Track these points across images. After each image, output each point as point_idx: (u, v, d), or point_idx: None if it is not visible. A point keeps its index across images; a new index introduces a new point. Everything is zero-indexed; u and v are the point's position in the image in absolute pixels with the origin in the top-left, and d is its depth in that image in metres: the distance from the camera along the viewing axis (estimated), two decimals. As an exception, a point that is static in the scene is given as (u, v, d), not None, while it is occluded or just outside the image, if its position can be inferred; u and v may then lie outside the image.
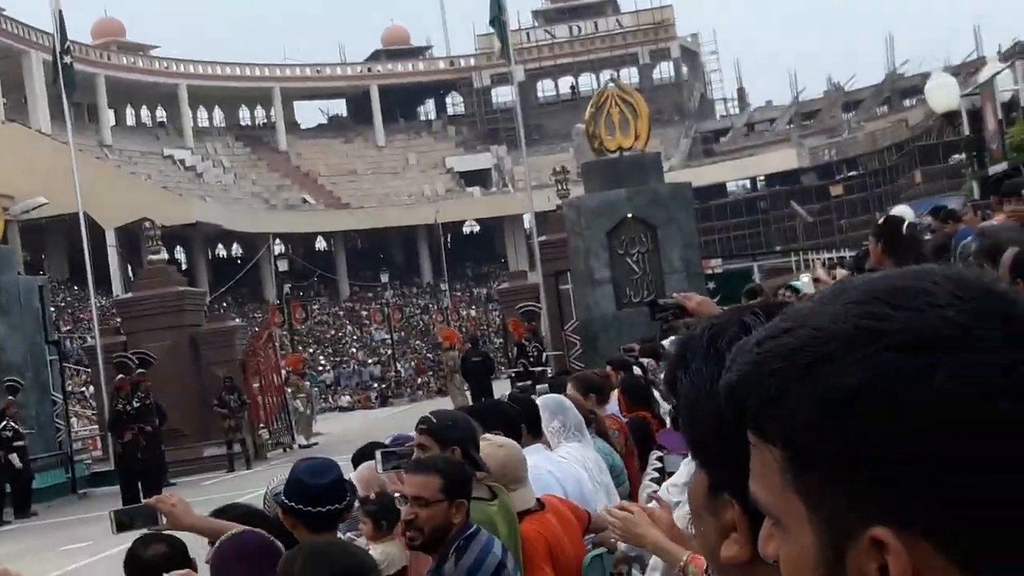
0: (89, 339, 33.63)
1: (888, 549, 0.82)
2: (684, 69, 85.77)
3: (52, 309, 28.73)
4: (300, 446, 28.89)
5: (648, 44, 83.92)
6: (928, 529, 0.83)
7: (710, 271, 27.35)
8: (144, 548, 3.40)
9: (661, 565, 2.99)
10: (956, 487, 0.82)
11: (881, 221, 8.41)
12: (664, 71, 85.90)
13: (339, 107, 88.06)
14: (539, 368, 23.69)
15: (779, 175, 74.89)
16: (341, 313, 72.35)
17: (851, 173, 71.48)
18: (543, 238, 27.81)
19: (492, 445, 4.43)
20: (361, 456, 5.41)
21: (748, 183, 79.05)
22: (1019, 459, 0.82)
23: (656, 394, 7.19)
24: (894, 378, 0.83)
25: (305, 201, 77.06)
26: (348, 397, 52.18)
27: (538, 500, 4.48)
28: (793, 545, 0.88)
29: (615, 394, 7.71)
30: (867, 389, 0.84)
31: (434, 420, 4.33)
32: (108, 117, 73.44)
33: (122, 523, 3.15)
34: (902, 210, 9.44)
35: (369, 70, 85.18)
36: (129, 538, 3.51)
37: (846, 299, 0.89)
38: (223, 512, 3.88)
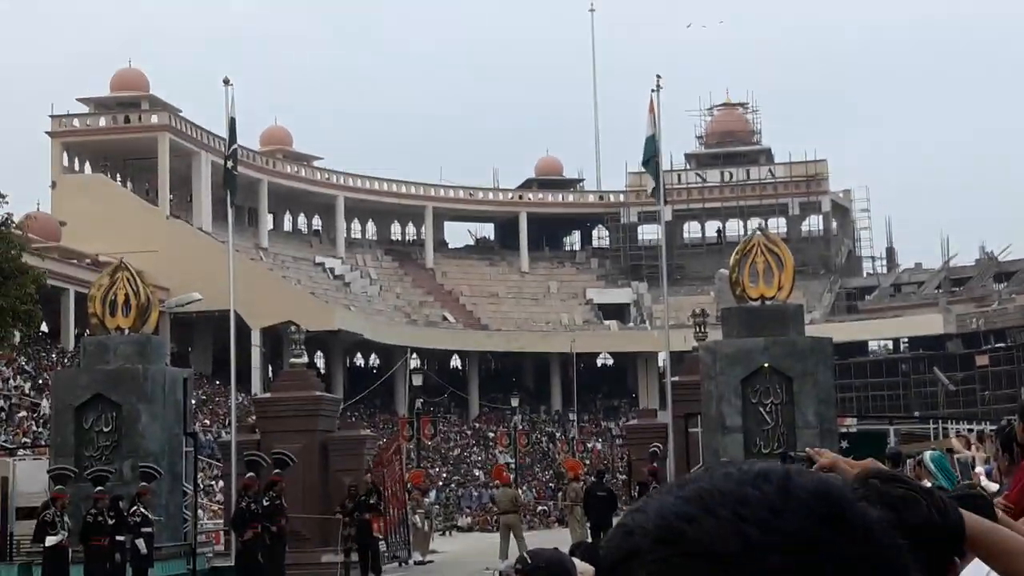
0: (224, 434, 34.49)
1: None
2: (833, 224, 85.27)
3: (192, 401, 29.57)
4: (416, 562, 28.96)
5: (799, 196, 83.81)
6: None
7: (844, 429, 26.91)
8: None
9: None
10: None
11: None
12: (813, 224, 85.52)
13: (488, 231, 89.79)
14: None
15: (923, 339, 73.42)
16: (468, 433, 72.67)
17: (999, 344, 69.76)
18: (676, 379, 27.76)
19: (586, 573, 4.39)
20: None
21: (891, 344, 77.66)
22: None
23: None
24: None
25: (445, 319, 78.21)
26: (468, 518, 52.12)
27: None
28: None
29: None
30: None
31: (529, 561, 4.32)
32: (267, 221, 76.21)
33: None
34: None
35: (520, 197, 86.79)
36: None
37: (681, 493, 0.93)
38: None
